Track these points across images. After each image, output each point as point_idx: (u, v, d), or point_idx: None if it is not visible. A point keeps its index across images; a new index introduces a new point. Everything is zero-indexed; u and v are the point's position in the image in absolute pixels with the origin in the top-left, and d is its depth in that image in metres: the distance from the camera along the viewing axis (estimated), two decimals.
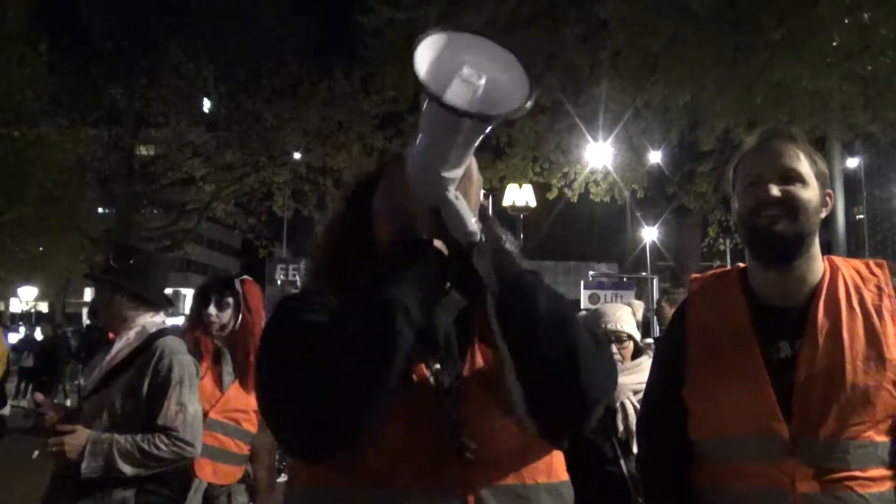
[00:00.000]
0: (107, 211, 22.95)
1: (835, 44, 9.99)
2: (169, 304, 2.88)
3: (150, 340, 2.60)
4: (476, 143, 1.11)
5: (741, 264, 1.77)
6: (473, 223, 1.11)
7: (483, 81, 1.07)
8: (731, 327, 1.64)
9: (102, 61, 18.50)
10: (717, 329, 1.66)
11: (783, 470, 1.50)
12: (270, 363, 1.14)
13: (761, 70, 9.88)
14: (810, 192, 1.60)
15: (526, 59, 1.10)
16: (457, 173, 1.12)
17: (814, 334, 1.57)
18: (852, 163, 20.16)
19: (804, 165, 1.61)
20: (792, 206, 1.58)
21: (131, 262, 2.64)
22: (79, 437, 2.43)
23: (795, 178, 1.60)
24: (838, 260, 1.70)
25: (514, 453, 1.15)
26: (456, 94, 1.04)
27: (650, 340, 5.80)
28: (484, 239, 1.13)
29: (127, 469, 2.41)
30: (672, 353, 1.75)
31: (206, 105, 20.81)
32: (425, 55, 1.05)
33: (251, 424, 3.24)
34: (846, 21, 9.56)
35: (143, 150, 22.40)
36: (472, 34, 1.11)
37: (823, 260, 1.67)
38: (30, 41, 14.33)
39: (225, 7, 18.94)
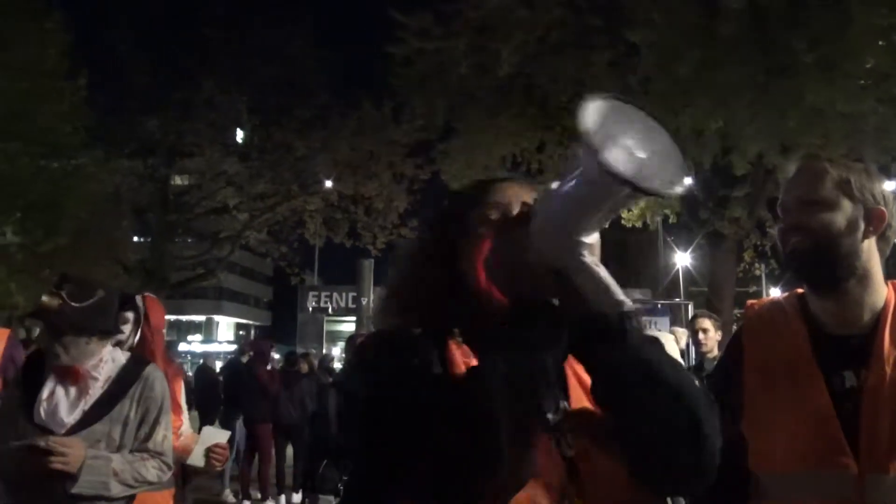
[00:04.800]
0: (141, 240, 23.27)
1: (869, 66, 9.89)
2: (117, 332, 2.92)
3: (136, 369, 2.65)
4: (617, 213, 1.09)
5: (799, 290, 1.73)
6: (621, 292, 1.06)
7: (643, 155, 1.04)
8: (792, 356, 1.60)
9: (138, 95, 18.89)
10: (776, 358, 1.61)
11: None
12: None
13: (794, 94, 9.80)
14: (836, 216, 1.59)
15: (678, 143, 1.08)
16: (593, 239, 1.09)
17: (880, 363, 1.51)
18: (888, 185, 19.86)
19: (827, 190, 1.60)
20: (810, 230, 1.59)
21: (94, 300, 2.60)
22: (79, 451, 2.41)
23: (816, 202, 1.60)
24: None
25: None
26: (616, 160, 1.00)
27: None
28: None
29: (116, 489, 2.46)
30: (727, 382, 1.70)
31: (239, 136, 21.12)
32: (591, 116, 1.02)
33: None
34: (880, 43, 9.47)
35: (177, 181, 22.74)
36: (634, 107, 1.08)
37: (887, 285, 1.63)
38: (68, 76, 14.69)
39: (255, 40, 19.27)
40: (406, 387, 1.10)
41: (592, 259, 1.07)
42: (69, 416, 2.53)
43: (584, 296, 1.07)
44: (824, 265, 1.58)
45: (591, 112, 1.02)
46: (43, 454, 2.36)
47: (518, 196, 1.26)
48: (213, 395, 10.31)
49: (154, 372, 2.69)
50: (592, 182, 1.01)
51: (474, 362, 1.12)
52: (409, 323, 1.20)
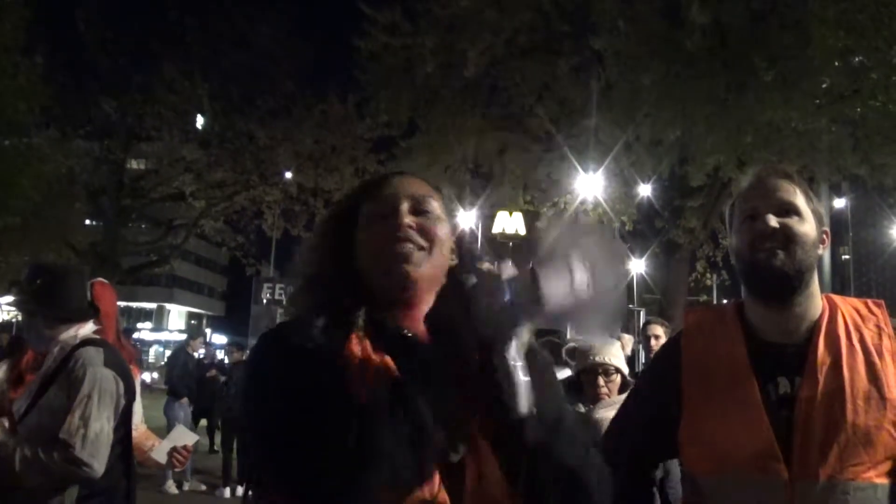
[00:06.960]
0: (94, 223, 22.81)
1: (825, 86, 10.16)
2: (88, 316, 2.70)
3: (71, 353, 2.52)
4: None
5: (738, 300, 1.75)
6: (525, 403, 1.04)
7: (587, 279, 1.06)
8: (729, 362, 1.61)
9: (97, 75, 18.53)
10: (713, 364, 1.63)
11: None
12: (261, 429, 1.14)
13: (752, 109, 10.01)
14: (807, 227, 1.60)
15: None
16: (527, 337, 1.07)
17: (814, 371, 1.54)
18: (839, 203, 20.37)
19: (801, 200, 1.62)
20: (789, 238, 1.58)
21: (38, 282, 2.59)
22: None
23: (792, 211, 1.60)
24: (836, 298, 1.69)
25: None
26: (580, 279, 1.04)
27: None
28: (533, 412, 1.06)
29: (28, 479, 2.34)
30: (660, 382, 1.73)
31: (199, 122, 20.83)
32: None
33: None
34: (837, 64, 9.72)
35: (133, 164, 22.34)
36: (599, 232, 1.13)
37: (822, 297, 1.66)
38: (25, 52, 14.32)
39: (223, 26, 19.03)
40: (293, 373, 1.11)
41: (515, 355, 1.04)
42: (20, 406, 2.50)
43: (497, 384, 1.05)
44: (798, 276, 1.58)
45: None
46: None
47: (405, 188, 1.26)
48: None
49: (85, 354, 2.50)
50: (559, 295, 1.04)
51: (374, 357, 1.13)
52: (313, 313, 1.20)
